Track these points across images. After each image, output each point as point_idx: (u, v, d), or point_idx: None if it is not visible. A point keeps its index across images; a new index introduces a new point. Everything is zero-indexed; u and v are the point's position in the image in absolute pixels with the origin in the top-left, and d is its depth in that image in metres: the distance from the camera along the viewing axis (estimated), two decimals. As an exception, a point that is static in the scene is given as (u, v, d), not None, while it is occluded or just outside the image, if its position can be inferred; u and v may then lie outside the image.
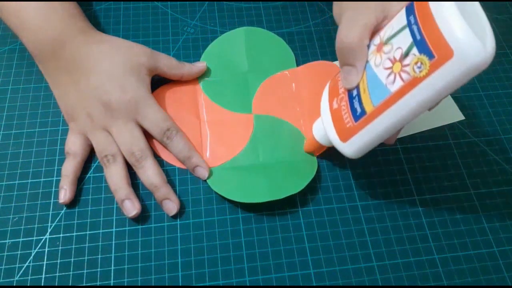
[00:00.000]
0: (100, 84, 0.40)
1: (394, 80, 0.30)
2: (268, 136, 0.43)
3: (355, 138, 0.34)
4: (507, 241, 0.39)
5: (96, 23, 0.50)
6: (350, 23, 0.33)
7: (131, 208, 0.38)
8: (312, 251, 0.38)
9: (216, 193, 0.40)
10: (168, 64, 0.44)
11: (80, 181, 0.40)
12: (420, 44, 0.28)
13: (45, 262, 0.36)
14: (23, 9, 0.41)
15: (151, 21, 0.51)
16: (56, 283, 0.36)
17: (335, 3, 0.37)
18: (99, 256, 0.37)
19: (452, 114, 0.46)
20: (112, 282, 0.36)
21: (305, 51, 0.50)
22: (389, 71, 0.31)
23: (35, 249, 0.37)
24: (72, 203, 0.39)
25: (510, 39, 0.53)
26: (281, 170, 0.41)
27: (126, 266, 0.37)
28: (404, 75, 0.29)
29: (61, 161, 0.41)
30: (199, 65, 0.46)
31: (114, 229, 0.38)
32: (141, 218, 0.39)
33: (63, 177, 0.39)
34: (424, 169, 0.43)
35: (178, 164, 0.42)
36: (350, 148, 0.35)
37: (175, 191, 0.40)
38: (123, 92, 0.40)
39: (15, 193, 0.39)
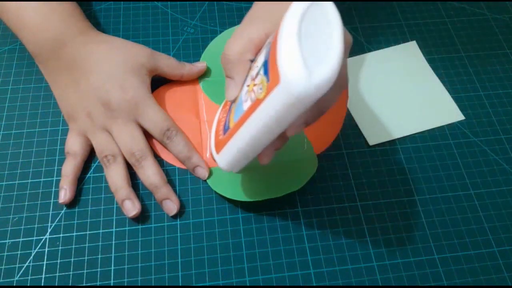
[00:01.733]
0: (100, 84, 0.40)
1: (247, 98, 0.29)
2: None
3: (224, 150, 0.33)
4: (507, 241, 0.39)
5: (96, 23, 0.50)
6: (236, 35, 0.33)
7: (131, 208, 0.38)
8: (312, 251, 0.38)
9: (216, 193, 0.40)
10: (168, 64, 0.44)
11: (80, 181, 0.40)
12: (265, 65, 0.27)
13: (45, 262, 0.36)
14: (23, 10, 0.41)
15: (151, 21, 0.51)
16: (56, 283, 0.36)
17: (252, 5, 0.36)
18: (99, 256, 0.37)
19: (452, 114, 0.46)
20: (112, 282, 0.36)
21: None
22: (247, 89, 0.30)
23: (35, 249, 0.37)
24: (72, 203, 0.39)
25: (510, 39, 0.53)
26: (281, 169, 0.41)
27: (126, 266, 0.37)
28: (252, 95, 0.28)
29: (61, 161, 0.41)
30: (199, 65, 0.46)
31: (114, 229, 0.38)
32: (141, 218, 0.39)
33: (63, 177, 0.39)
34: (424, 169, 0.43)
35: (178, 164, 0.42)
36: (221, 159, 0.34)
37: (175, 191, 0.40)
38: (123, 92, 0.40)
39: (15, 193, 0.39)
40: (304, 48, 0.24)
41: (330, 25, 0.25)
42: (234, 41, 0.33)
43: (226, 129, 0.32)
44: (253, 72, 0.29)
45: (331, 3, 0.26)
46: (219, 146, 0.34)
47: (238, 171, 0.35)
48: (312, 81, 0.24)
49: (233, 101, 0.33)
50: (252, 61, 0.32)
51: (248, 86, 0.30)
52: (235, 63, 0.33)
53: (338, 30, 0.25)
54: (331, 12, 0.26)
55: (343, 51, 0.25)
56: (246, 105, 0.29)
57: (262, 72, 0.27)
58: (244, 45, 0.32)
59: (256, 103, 0.27)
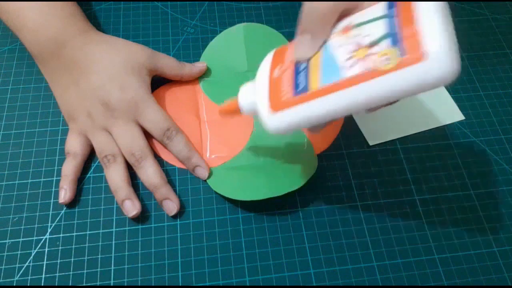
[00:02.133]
0: (100, 84, 0.40)
1: (352, 65, 0.28)
2: (268, 136, 0.43)
3: (286, 112, 0.31)
4: (507, 241, 0.39)
5: (96, 23, 0.50)
6: None
7: (131, 208, 0.38)
8: (312, 251, 0.38)
9: (216, 193, 0.40)
10: (168, 64, 0.44)
11: (80, 181, 0.40)
12: (394, 38, 0.27)
13: (45, 262, 0.36)
14: (23, 10, 0.41)
15: (151, 21, 0.51)
16: (56, 283, 0.36)
17: None
18: (99, 256, 0.37)
19: (452, 114, 0.46)
20: (112, 282, 0.36)
21: (305, 51, 0.50)
22: (349, 55, 0.29)
23: (35, 249, 0.37)
24: (72, 203, 0.39)
25: (510, 39, 0.53)
26: (281, 168, 0.41)
27: (126, 266, 0.37)
28: (366, 63, 0.28)
29: (61, 161, 0.41)
30: (199, 65, 0.46)
31: (114, 229, 0.38)
32: (141, 218, 0.39)
33: (63, 177, 0.39)
34: (424, 169, 0.43)
35: (178, 164, 0.42)
36: (276, 121, 0.32)
37: (175, 191, 0.40)
38: (123, 92, 0.40)
39: (15, 193, 0.39)
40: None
41: (452, 29, 0.27)
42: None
43: (300, 90, 0.30)
44: (360, 40, 0.28)
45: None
46: (280, 106, 0.31)
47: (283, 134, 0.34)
48: (455, 66, 0.25)
49: (304, 61, 0.31)
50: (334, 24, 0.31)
51: (352, 52, 0.28)
52: (321, 19, 0.30)
53: (454, 36, 0.27)
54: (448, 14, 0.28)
55: None
56: (352, 72, 0.28)
57: (387, 43, 0.27)
58: (334, 5, 0.30)
59: (375, 73, 0.27)
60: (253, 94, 0.34)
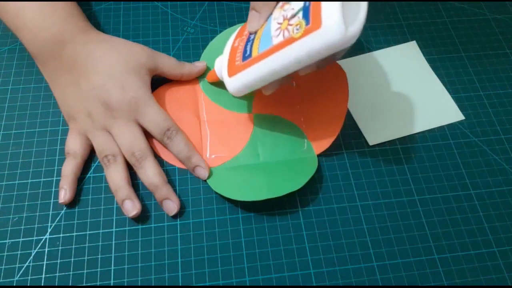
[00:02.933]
0: (100, 84, 0.40)
1: (278, 34, 0.34)
2: (268, 136, 0.43)
3: (238, 76, 0.37)
4: (507, 241, 0.39)
5: (96, 23, 0.50)
6: None
7: (132, 208, 0.38)
8: (312, 251, 0.38)
9: (216, 193, 0.40)
10: (168, 64, 0.44)
11: (80, 181, 0.40)
12: (305, 10, 0.32)
13: (45, 262, 0.36)
14: (23, 10, 0.41)
15: (151, 21, 0.51)
16: (56, 283, 0.36)
17: None
18: (99, 256, 0.37)
19: (452, 114, 0.46)
20: (112, 282, 0.36)
21: (305, 51, 0.50)
22: (278, 26, 0.34)
23: (35, 249, 0.37)
24: (72, 203, 0.39)
25: (510, 39, 0.53)
26: (281, 168, 0.41)
27: (126, 266, 0.37)
28: (285, 33, 0.33)
29: (61, 161, 0.41)
30: (199, 65, 0.46)
31: (114, 229, 0.38)
32: (141, 218, 0.39)
33: (63, 177, 0.39)
34: (424, 169, 0.43)
35: (178, 164, 0.42)
36: (232, 83, 0.38)
37: (175, 191, 0.40)
38: (123, 92, 0.40)
39: (15, 193, 0.39)
40: (343, 8, 0.30)
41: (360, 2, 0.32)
42: None
43: (246, 56, 0.36)
44: (287, 13, 0.34)
45: None
46: (234, 70, 0.38)
47: (241, 96, 0.41)
48: (347, 34, 0.30)
49: (253, 33, 0.37)
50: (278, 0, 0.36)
51: (279, 23, 0.34)
52: None
53: (365, 4, 0.32)
54: None
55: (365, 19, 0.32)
56: (277, 40, 0.34)
57: (300, 15, 0.32)
58: None
59: (290, 40, 0.32)
60: (221, 63, 0.40)
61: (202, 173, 0.40)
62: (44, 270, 0.36)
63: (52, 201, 0.39)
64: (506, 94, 0.48)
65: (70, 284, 0.36)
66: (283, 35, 0.33)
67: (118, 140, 0.40)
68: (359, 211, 0.40)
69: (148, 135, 0.41)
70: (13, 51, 0.48)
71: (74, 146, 0.40)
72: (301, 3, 0.33)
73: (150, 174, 0.39)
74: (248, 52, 0.36)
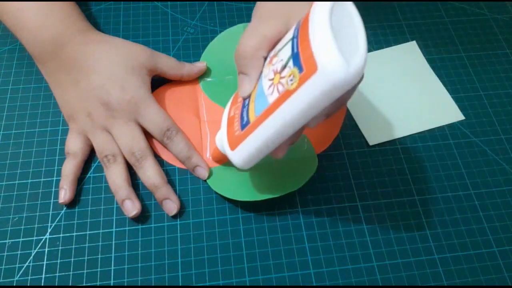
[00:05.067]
0: (100, 84, 0.40)
1: (272, 91, 0.30)
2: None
3: (241, 147, 0.33)
4: (507, 241, 0.39)
5: (96, 23, 0.50)
6: (250, 32, 0.33)
7: (132, 208, 0.38)
8: (312, 251, 0.38)
9: (216, 193, 0.40)
10: (168, 64, 0.44)
11: (80, 181, 0.40)
12: (295, 57, 0.28)
13: (45, 262, 0.36)
14: (22, 10, 0.41)
15: (151, 21, 0.51)
16: (56, 283, 0.36)
17: (255, 5, 0.37)
18: (99, 256, 0.37)
19: (452, 114, 0.46)
20: (112, 282, 0.36)
21: (305, 51, 0.50)
22: (270, 82, 0.30)
23: (35, 249, 0.37)
24: (72, 203, 0.39)
25: (510, 39, 0.53)
26: (281, 168, 0.41)
27: (126, 266, 0.37)
28: (280, 87, 0.29)
29: (61, 161, 0.41)
30: (199, 65, 0.46)
31: (114, 229, 0.38)
32: (141, 218, 0.39)
33: (63, 177, 0.39)
34: (424, 169, 0.43)
35: (178, 164, 0.42)
36: (237, 156, 0.34)
37: (175, 191, 0.40)
38: (123, 92, 0.40)
39: (15, 193, 0.39)
40: (337, 41, 0.26)
41: (353, 22, 0.28)
42: (248, 38, 0.33)
43: (244, 124, 0.33)
44: (276, 66, 0.30)
45: (351, 2, 0.28)
46: (236, 142, 0.34)
47: (250, 168, 0.35)
48: (349, 69, 0.26)
49: (246, 97, 0.33)
50: (265, 57, 0.33)
51: (271, 79, 0.30)
52: (250, 59, 0.33)
53: (361, 27, 0.28)
54: (353, 11, 0.28)
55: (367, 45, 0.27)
56: (272, 98, 0.30)
57: (291, 64, 0.28)
58: (259, 41, 0.32)
59: (286, 94, 0.28)
60: (221, 137, 0.36)
61: (202, 173, 0.40)
62: (44, 270, 0.36)
63: (52, 201, 0.39)
64: (506, 94, 0.48)
65: (70, 284, 0.36)
66: (278, 90, 0.29)
67: (118, 140, 0.40)
68: (359, 211, 0.40)
69: (148, 135, 0.41)
70: (13, 51, 0.48)
71: (74, 146, 0.40)
72: (289, 51, 0.29)
73: (150, 174, 0.39)
74: (245, 119, 0.33)
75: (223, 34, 0.49)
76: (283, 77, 0.29)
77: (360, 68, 0.26)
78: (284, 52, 0.30)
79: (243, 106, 0.34)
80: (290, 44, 0.29)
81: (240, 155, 0.34)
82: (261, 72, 0.33)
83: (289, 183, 0.39)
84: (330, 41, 0.26)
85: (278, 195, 0.38)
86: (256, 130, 0.31)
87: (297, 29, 0.29)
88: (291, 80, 0.28)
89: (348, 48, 0.26)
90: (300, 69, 0.27)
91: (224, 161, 0.40)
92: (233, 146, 0.34)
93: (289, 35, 0.30)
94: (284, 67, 0.29)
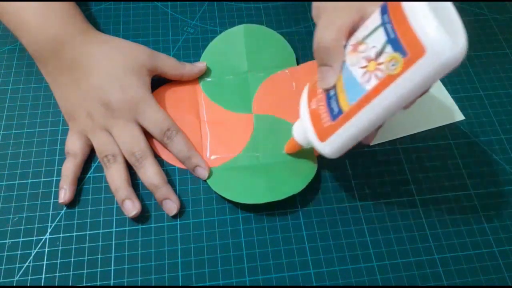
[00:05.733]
0: (100, 84, 0.40)
1: (369, 78, 0.31)
2: (268, 136, 0.43)
3: (333, 137, 0.34)
4: (507, 241, 0.39)
5: (96, 23, 0.50)
6: (326, 25, 0.34)
7: (132, 208, 0.38)
8: (312, 251, 0.38)
9: (216, 193, 0.40)
10: (168, 64, 0.44)
11: (80, 181, 0.40)
12: (393, 42, 0.29)
13: (45, 262, 0.36)
14: (22, 11, 0.41)
15: (151, 21, 0.51)
16: (56, 283, 0.36)
17: (313, 6, 0.37)
18: (99, 256, 0.37)
19: (452, 114, 0.46)
20: (112, 282, 0.36)
21: (305, 51, 0.50)
22: (364, 70, 0.31)
23: (35, 249, 0.37)
24: (72, 203, 0.39)
25: (510, 39, 0.53)
26: (281, 170, 0.41)
27: (126, 266, 0.37)
28: (378, 73, 0.30)
29: (61, 161, 0.41)
30: (199, 65, 0.46)
31: (114, 229, 0.38)
32: (141, 218, 0.39)
33: (63, 177, 0.39)
34: (424, 169, 0.43)
35: (178, 164, 0.42)
36: (329, 147, 0.35)
37: (175, 191, 0.40)
38: (123, 92, 0.40)
39: (15, 193, 0.39)
40: (441, 24, 0.27)
41: (449, 12, 0.29)
42: (326, 31, 0.33)
43: (336, 115, 0.33)
44: (368, 54, 0.31)
45: None
46: (327, 134, 0.35)
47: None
48: (459, 46, 0.27)
49: (331, 88, 0.34)
50: (344, 47, 0.33)
51: (364, 67, 0.31)
52: (332, 50, 0.33)
53: (453, 10, 0.29)
54: (447, 3, 0.30)
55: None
56: (370, 85, 0.31)
57: (389, 50, 0.29)
58: (337, 32, 0.33)
59: (389, 79, 0.29)
60: (302, 130, 0.37)
61: (202, 173, 0.40)
62: (44, 270, 0.36)
63: (52, 201, 0.39)
64: (506, 94, 0.48)
65: (70, 284, 0.36)
66: (376, 77, 0.30)
67: (118, 140, 0.40)
68: (359, 211, 0.40)
69: (148, 135, 0.41)
70: (13, 51, 0.48)
71: (74, 146, 0.40)
72: (383, 37, 0.30)
73: (150, 174, 0.39)
74: (336, 110, 0.33)
75: (223, 35, 0.49)
76: (381, 63, 0.30)
77: (466, 46, 0.28)
78: (375, 39, 0.30)
79: (329, 98, 0.34)
80: (381, 30, 0.30)
81: (333, 145, 0.35)
82: (343, 61, 0.33)
83: (289, 186, 0.39)
84: (435, 23, 0.27)
85: (278, 199, 0.38)
86: (353, 118, 0.32)
87: (385, 15, 0.30)
88: (393, 65, 0.29)
89: (449, 30, 0.27)
90: (403, 53, 0.28)
91: (296, 150, 0.41)
92: (323, 137, 0.35)
93: (373, 22, 0.31)
94: (379, 53, 0.30)
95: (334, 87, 0.34)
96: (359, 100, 0.32)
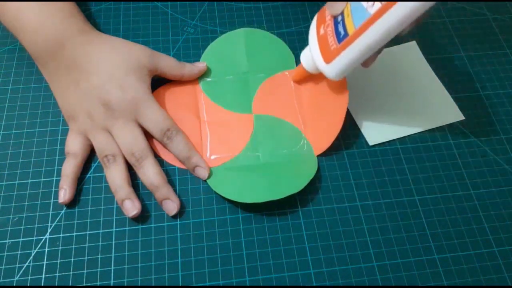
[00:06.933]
0: (100, 84, 0.40)
1: (373, 3, 0.34)
2: (268, 136, 0.43)
3: (338, 59, 0.37)
4: (507, 241, 0.39)
5: (96, 23, 0.50)
6: None
7: (132, 208, 0.38)
8: (312, 251, 0.38)
9: (216, 193, 0.40)
10: (168, 64, 0.44)
11: (80, 181, 0.40)
12: None
13: (45, 262, 0.36)
14: (22, 11, 0.41)
15: (151, 21, 0.51)
16: (56, 283, 0.36)
17: None
18: (99, 256, 0.37)
19: (452, 114, 0.46)
20: (112, 282, 0.36)
21: (305, 51, 0.50)
22: None
23: (35, 249, 0.37)
24: (72, 203, 0.39)
25: (510, 39, 0.53)
26: (281, 170, 0.41)
27: (126, 266, 0.37)
28: None
29: (61, 161, 0.41)
30: (200, 66, 0.46)
31: (114, 229, 0.38)
32: (141, 218, 0.39)
33: (63, 177, 0.39)
34: (424, 169, 0.43)
35: (178, 164, 0.42)
36: (333, 69, 0.38)
37: (175, 191, 0.40)
38: (123, 92, 0.40)
39: (15, 193, 0.40)
40: None
41: None
42: None
43: (341, 38, 0.36)
44: None
45: None
46: (332, 56, 0.38)
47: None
48: None
49: (339, 14, 0.37)
50: None
51: None
52: None
53: None
54: None
55: None
56: (374, 8, 0.34)
57: None
58: None
59: (390, 3, 0.33)
60: (310, 56, 0.41)
61: (202, 173, 0.40)
62: (44, 270, 0.36)
63: (52, 201, 0.39)
64: (506, 94, 0.48)
65: (70, 284, 0.36)
66: (380, 1, 0.33)
67: (118, 140, 0.40)
68: (359, 211, 0.40)
69: (148, 135, 0.41)
70: (13, 51, 0.48)
71: (74, 146, 0.40)
72: None
73: (150, 174, 0.39)
74: (342, 33, 0.36)
75: (224, 36, 0.49)
76: None
77: None
78: None
79: (336, 23, 0.37)
80: None
81: (337, 67, 0.38)
82: None
83: (289, 186, 0.39)
84: None
85: (278, 198, 0.38)
86: (357, 39, 0.35)
87: None
88: None
89: None
90: None
91: (304, 81, 0.45)
92: (328, 59, 0.38)
93: None
94: None
95: (341, 13, 0.37)
96: (363, 22, 0.34)
